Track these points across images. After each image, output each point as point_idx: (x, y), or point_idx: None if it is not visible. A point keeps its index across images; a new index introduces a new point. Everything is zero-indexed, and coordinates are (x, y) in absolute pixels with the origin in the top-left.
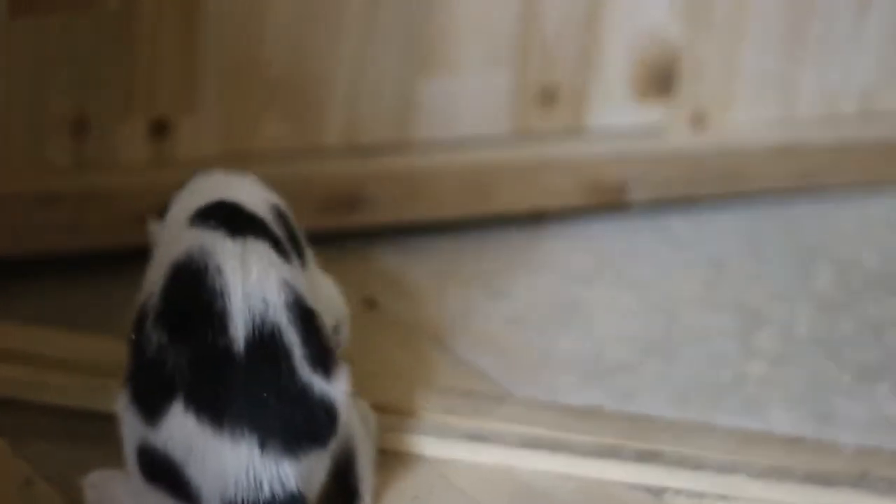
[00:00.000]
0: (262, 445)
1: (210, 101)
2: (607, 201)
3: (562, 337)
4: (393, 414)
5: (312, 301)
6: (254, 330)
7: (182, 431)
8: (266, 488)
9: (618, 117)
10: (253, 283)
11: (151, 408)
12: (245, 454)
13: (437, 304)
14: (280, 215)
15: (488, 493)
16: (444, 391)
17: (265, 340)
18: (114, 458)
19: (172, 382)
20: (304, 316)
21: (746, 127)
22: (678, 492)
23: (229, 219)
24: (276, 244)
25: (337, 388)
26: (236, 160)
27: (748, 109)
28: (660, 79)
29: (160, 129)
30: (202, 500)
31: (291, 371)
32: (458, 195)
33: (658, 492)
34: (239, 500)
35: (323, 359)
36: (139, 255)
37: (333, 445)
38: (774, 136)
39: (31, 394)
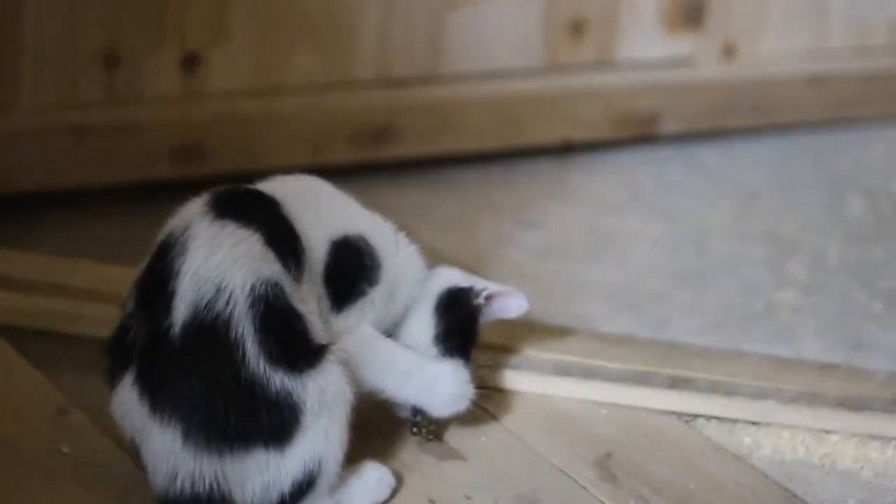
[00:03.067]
0: (185, 437)
1: (241, 35)
2: (637, 133)
3: (593, 267)
4: None
5: (298, 303)
6: (195, 316)
7: (129, 405)
8: (179, 483)
9: (647, 49)
10: (210, 268)
11: (112, 372)
12: (169, 443)
13: (467, 234)
14: (349, 252)
15: (521, 420)
16: None
17: (205, 328)
18: None
19: (129, 353)
20: (273, 311)
21: (776, 58)
22: (709, 418)
23: (229, 203)
24: (278, 245)
25: (309, 384)
26: (267, 93)
27: (778, 40)
28: (689, 10)
29: (191, 62)
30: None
31: (234, 364)
32: (488, 127)
33: (689, 418)
34: (160, 488)
35: (288, 354)
36: (171, 189)
37: (294, 447)
38: (804, 67)
39: (65, 325)
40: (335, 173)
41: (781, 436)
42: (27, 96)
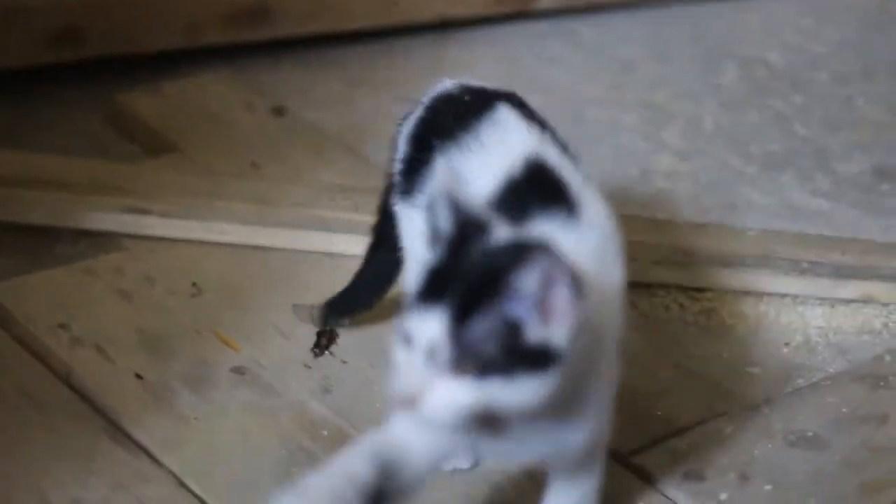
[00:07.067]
0: None
1: None
2: (515, 8)
3: None
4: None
5: None
6: None
7: None
8: None
9: None
10: None
11: None
12: None
13: (346, 110)
14: None
15: None
16: (352, 190)
17: None
18: (27, 266)
19: None
20: None
21: None
22: None
23: None
24: None
25: None
26: None
27: None
28: None
29: None
30: None
31: None
32: (366, 5)
33: None
34: None
35: None
36: (60, 74)
37: None
38: None
39: None
40: (214, 54)
41: (656, 294)
42: None
